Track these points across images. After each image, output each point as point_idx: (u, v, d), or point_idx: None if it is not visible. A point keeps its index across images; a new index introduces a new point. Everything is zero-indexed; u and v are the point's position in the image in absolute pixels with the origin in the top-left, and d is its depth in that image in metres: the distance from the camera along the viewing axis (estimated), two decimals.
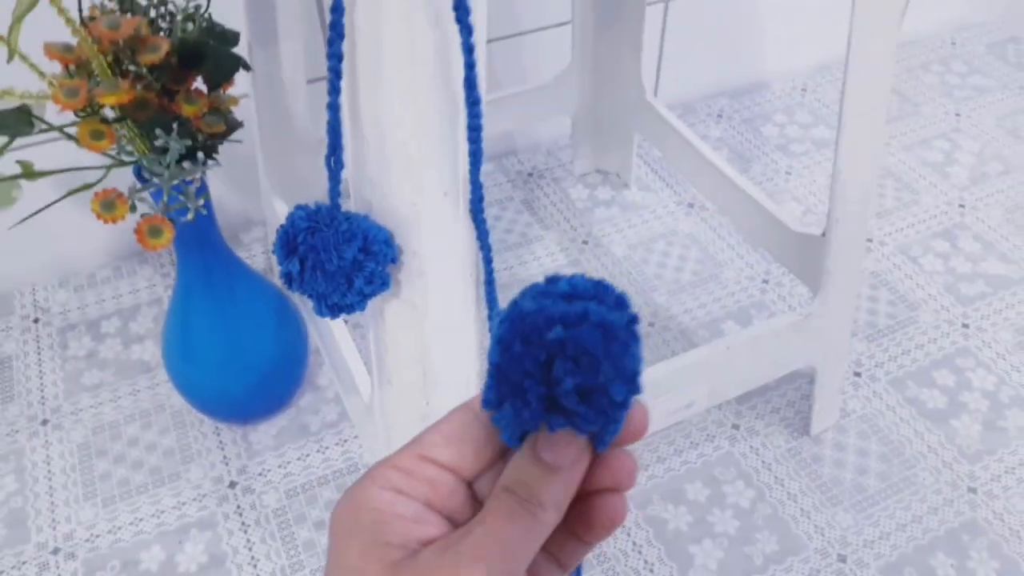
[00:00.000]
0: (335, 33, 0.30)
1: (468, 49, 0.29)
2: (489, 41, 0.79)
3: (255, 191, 0.79)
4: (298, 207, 0.35)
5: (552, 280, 0.21)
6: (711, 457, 0.62)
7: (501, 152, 0.88)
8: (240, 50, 0.52)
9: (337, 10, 0.30)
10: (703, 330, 0.71)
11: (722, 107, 0.93)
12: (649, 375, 0.50)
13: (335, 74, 0.31)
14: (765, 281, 0.75)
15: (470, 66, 0.30)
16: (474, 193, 0.35)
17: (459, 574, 0.20)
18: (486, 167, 0.87)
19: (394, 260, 0.36)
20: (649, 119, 0.74)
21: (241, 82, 0.57)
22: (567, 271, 0.79)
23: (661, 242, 0.79)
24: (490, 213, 0.83)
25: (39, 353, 0.70)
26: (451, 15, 0.29)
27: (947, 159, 0.88)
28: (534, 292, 0.21)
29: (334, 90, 0.32)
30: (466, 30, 0.29)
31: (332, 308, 0.35)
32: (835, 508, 0.59)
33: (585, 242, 0.79)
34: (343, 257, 0.34)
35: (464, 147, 0.35)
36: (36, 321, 0.72)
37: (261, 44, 0.57)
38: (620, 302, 0.21)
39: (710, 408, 0.65)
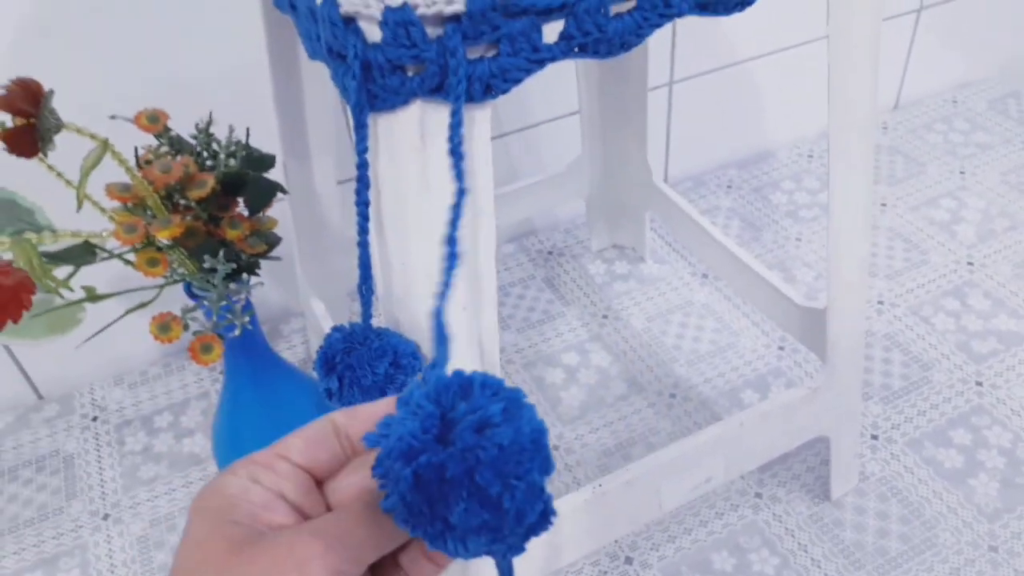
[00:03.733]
0: (362, 185, 0.35)
1: (454, 220, 0.31)
2: (504, 134, 0.85)
3: (295, 284, 0.84)
4: (334, 329, 0.39)
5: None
6: (736, 526, 0.65)
7: (522, 233, 0.93)
8: (276, 168, 0.58)
9: (362, 166, 0.34)
10: (723, 399, 0.74)
11: (731, 177, 0.98)
12: (665, 454, 0.54)
13: (363, 218, 0.36)
14: (781, 348, 0.78)
15: (451, 234, 0.32)
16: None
17: (294, 549, 0.22)
18: (508, 248, 0.92)
19: (421, 371, 0.40)
20: (658, 199, 0.78)
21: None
22: (589, 346, 0.83)
23: (679, 313, 0.82)
24: (513, 292, 0.87)
25: (98, 450, 0.75)
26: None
27: (954, 217, 0.90)
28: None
29: (363, 231, 0.36)
30: (459, 192, 0.33)
31: None
32: (858, 572, 0.61)
33: (605, 316, 0.83)
34: (376, 372, 0.38)
35: (482, 267, 0.39)
36: (95, 419, 0.77)
37: (295, 158, 0.62)
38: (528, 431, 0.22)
39: (732, 478, 0.68)
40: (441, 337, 0.28)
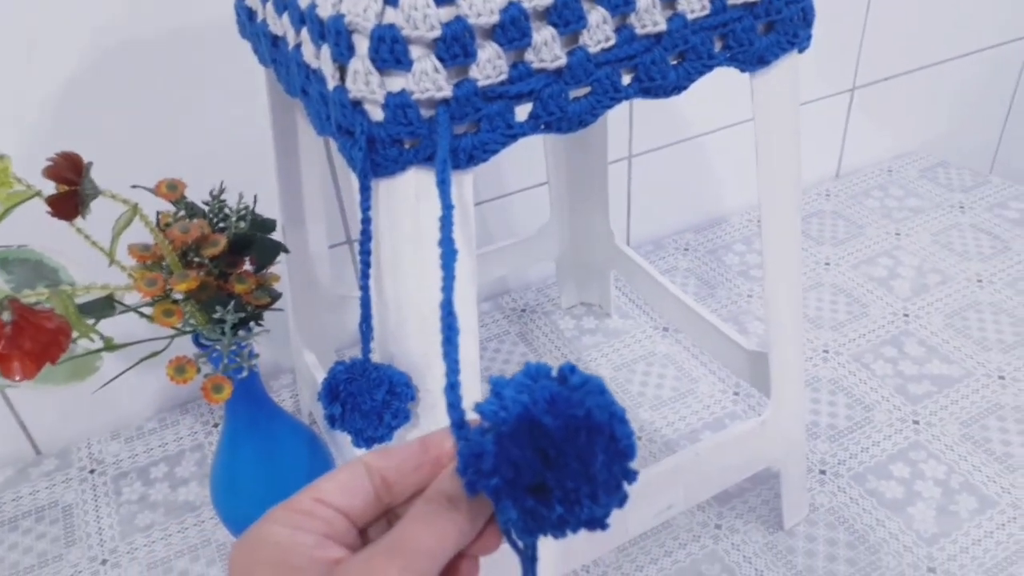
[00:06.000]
0: (365, 237, 0.41)
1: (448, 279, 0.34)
2: (481, 203, 0.93)
3: (282, 343, 0.89)
4: (337, 363, 0.45)
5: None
6: (698, 555, 0.70)
7: (496, 292, 1.00)
8: (276, 232, 0.64)
9: (366, 221, 0.41)
10: (684, 440, 0.80)
11: (688, 241, 1.06)
12: None
13: (366, 265, 0.42)
14: (736, 393, 0.85)
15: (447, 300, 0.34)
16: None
17: (373, 570, 0.21)
18: (484, 306, 0.98)
19: (413, 398, 0.46)
20: (621, 260, 0.86)
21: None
22: None
23: (642, 363, 0.89)
24: (489, 347, 0.93)
25: (96, 500, 0.78)
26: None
27: (890, 274, 0.99)
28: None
29: (364, 276, 0.43)
30: (447, 207, 0.40)
31: (367, 440, 0.45)
32: None
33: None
34: (374, 399, 0.44)
35: (469, 310, 0.46)
36: (92, 472, 0.81)
37: (292, 225, 0.69)
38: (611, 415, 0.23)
39: (694, 511, 0.73)
40: (452, 329, 0.29)
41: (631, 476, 0.24)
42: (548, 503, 0.23)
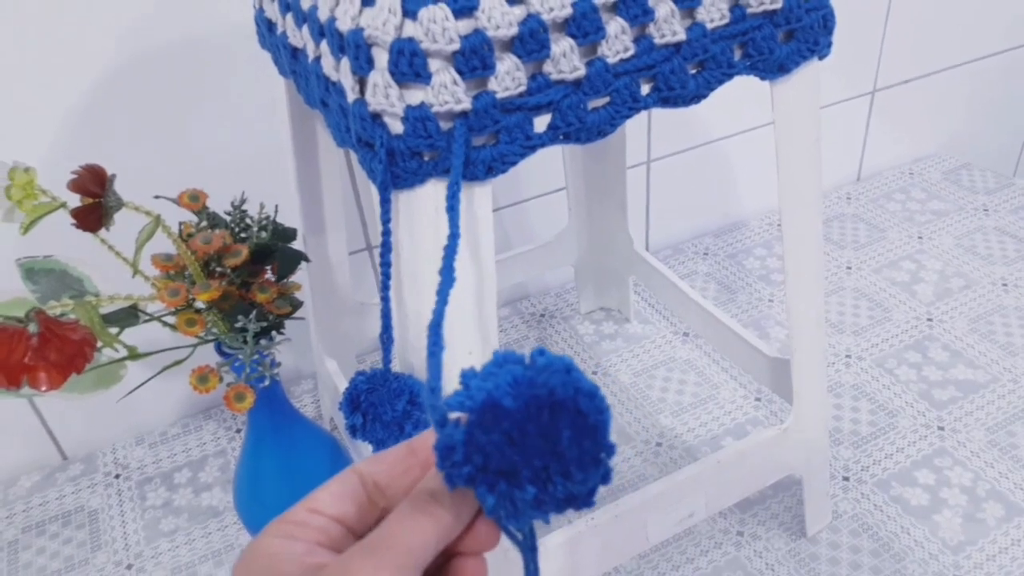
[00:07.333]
0: (386, 248, 0.42)
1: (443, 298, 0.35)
2: (499, 209, 0.93)
3: (304, 349, 0.90)
4: (358, 373, 0.46)
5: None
6: (720, 562, 0.70)
7: (515, 298, 1.00)
8: (297, 241, 0.65)
9: (386, 233, 0.41)
10: (705, 447, 0.80)
11: (707, 245, 1.05)
12: (651, 490, 0.59)
13: (386, 276, 0.42)
14: (758, 399, 0.84)
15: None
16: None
17: (349, 569, 0.22)
18: (504, 311, 0.98)
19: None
20: (640, 265, 0.86)
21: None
22: None
23: (662, 369, 0.89)
24: None
25: (121, 505, 0.79)
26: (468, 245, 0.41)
27: (913, 278, 0.98)
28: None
29: (385, 287, 0.43)
30: (452, 236, 0.40)
31: None
32: None
33: (595, 372, 0.89)
34: (395, 409, 0.44)
35: (486, 315, 0.46)
36: (117, 477, 0.82)
37: (313, 233, 0.70)
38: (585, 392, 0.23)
39: (716, 518, 0.73)
40: (437, 345, 0.28)
41: (608, 450, 0.24)
42: (520, 485, 0.23)
